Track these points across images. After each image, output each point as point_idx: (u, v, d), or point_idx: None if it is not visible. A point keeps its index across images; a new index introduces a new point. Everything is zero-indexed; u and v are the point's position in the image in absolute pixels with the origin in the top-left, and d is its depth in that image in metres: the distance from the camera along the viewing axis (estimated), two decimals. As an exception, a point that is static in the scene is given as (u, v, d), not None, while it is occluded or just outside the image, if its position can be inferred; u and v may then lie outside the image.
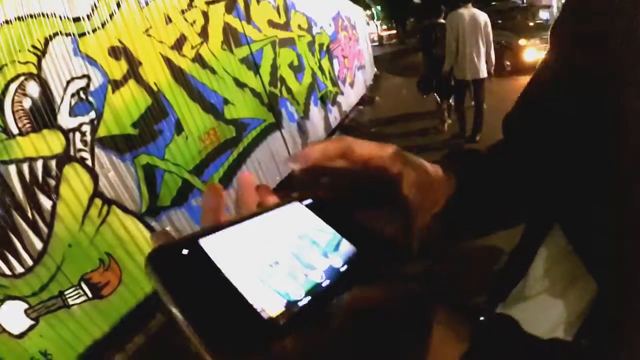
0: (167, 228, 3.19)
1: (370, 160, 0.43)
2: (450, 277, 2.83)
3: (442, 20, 5.52)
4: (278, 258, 0.29)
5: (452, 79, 5.35)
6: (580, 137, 0.43)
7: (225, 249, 0.28)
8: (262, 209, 0.35)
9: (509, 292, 0.62)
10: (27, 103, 2.52)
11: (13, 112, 2.45)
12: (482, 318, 0.35)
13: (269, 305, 0.25)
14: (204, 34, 3.96)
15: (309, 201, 0.38)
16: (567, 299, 0.50)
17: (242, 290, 0.25)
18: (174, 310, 0.23)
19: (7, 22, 2.47)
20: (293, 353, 0.25)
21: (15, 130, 2.45)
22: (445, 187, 0.51)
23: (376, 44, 30.31)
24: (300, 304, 0.27)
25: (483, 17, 4.86)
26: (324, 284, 0.29)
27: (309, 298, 0.27)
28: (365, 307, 0.29)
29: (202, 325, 0.22)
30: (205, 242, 0.27)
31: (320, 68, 6.64)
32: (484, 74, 5.03)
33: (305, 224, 0.34)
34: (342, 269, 0.31)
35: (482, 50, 4.94)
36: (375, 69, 13.14)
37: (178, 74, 3.56)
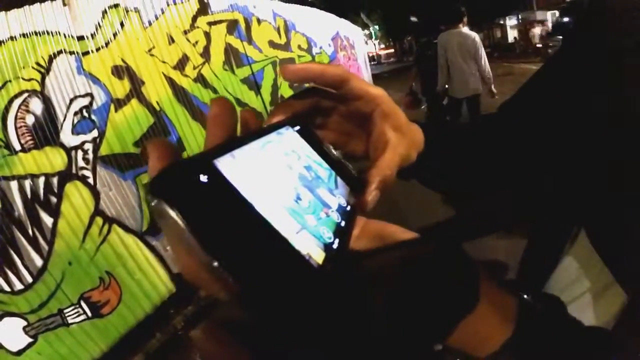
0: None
1: (363, 95, 0.44)
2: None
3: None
4: (298, 191, 0.27)
5: (447, 97, 5.43)
6: (599, 142, 0.45)
7: (244, 175, 0.23)
8: (259, 129, 0.31)
9: None
10: (30, 119, 2.55)
11: (16, 128, 2.48)
12: (526, 296, 0.36)
13: (313, 251, 0.23)
14: (206, 54, 4.00)
15: (297, 127, 0.36)
16: (597, 308, 0.50)
17: (284, 232, 0.22)
18: (205, 259, 0.18)
19: (11, 38, 2.52)
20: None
21: (17, 147, 2.47)
22: (418, 138, 0.52)
23: (374, 62, 30.57)
24: (334, 247, 0.25)
25: (472, 36, 4.96)
26: (341, 224, 0.28)
27: (337, 240, 0.26)
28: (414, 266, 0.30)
29: (250, 279, 0.19)
30: (222, 165, 0.22)
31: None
32: (476, 91, 5.11)
33: (305, 155, 0.32)
34: (348, 209, 0.31)
35: (473, 68, 5.03)
36: (374, 88, 13.24)
37: (180, 94, 3.60)
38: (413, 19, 28.06)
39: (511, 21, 30.71)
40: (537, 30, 22.99)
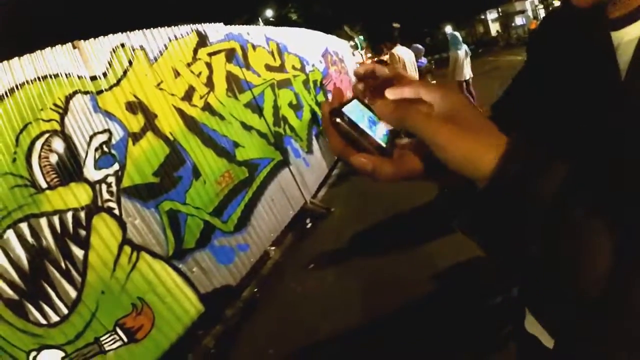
0: (194, 269, 3.37)
1: (394, 74, 0.60)
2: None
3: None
4: (371, 119, 0.52)
5: None
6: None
7: (352, 112, 0.51)
8: (349, 98, 0.56)
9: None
10: (53, 158, 2.70)
11: (41, 167, 2.62)
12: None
13: (382, 142, 0.49)
14: (209, 83, 4.20)
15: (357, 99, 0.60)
16: None
17: (370, 133, 0.49)
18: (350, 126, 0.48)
19: (27, 82, 2.67)
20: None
21: (44, 185, 2.61)
22: None
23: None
24: (390, 141, 0.51)
25: (413, 52, 5.94)
26: (391, 134, 0.53)
27: (390, 141, 0.51)
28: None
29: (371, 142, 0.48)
30: (345, 109, 0.50)
31: (317, 104, 6.87)
32: None
33: (366, 109, 0.56)
34: (388, 130, 0.53)
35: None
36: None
37: (190, 123, 3.78)
38: (395, 25, 28.32)
39: (492, 15, 30.74)
40: (519, 21, 23.59)
